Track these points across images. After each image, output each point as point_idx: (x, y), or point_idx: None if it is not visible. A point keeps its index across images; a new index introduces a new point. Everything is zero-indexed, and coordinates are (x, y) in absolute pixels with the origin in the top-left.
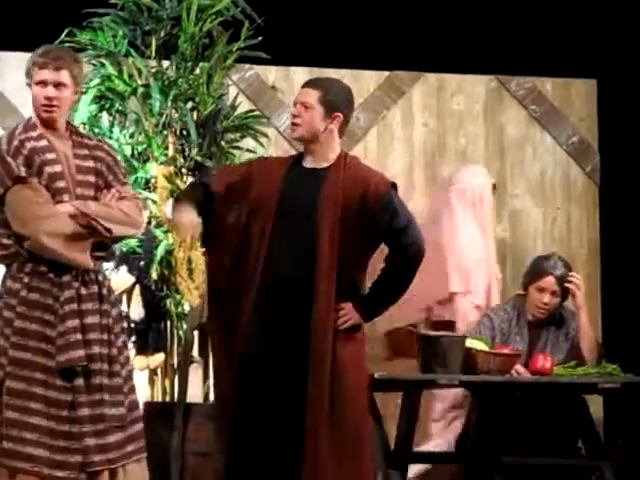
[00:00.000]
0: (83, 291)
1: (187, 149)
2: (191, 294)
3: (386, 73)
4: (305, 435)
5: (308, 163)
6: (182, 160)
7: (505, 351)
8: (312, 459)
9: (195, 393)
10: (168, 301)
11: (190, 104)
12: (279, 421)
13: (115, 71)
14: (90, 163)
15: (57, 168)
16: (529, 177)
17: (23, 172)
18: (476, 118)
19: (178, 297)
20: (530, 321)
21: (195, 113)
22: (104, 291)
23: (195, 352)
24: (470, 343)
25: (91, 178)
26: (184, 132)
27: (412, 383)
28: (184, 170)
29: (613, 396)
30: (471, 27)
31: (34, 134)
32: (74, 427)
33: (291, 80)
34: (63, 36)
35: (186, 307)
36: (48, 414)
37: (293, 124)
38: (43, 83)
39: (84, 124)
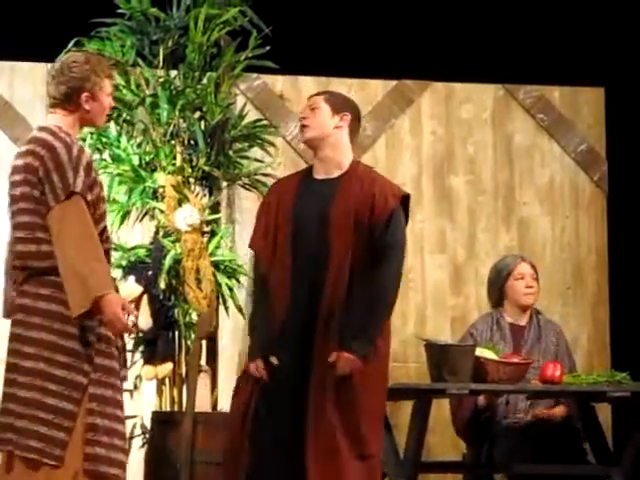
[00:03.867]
0: None
1: (195, 159)
2: (199, 303)
3: (394, 82)
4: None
5: (319, 174)
6: (190, 170)
7: (515, 360)
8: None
9: (203, 402)
10: (176, 310)
11: (198, 113)
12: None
13: (123, 81)
14: None
15: (101, 192)
16: (537, 185)
17: (79, 188)
18: (484, 126)
19: (186, 306)
20: (511, 323)
21: (203, 122)
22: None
23: (203, 361)
24: (480, 352)
25: None
26: (192, 142)
27: (422, 392)
28: (192, 180)
29: (622, 404)
30: (479, 35)
31: (80, 146)
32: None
33: (299, 89)
34: (71, 46)
35: (194, 316)
36: (123, 421)
37: (302, 127)
38: (111, 93)
39: (92, 134)
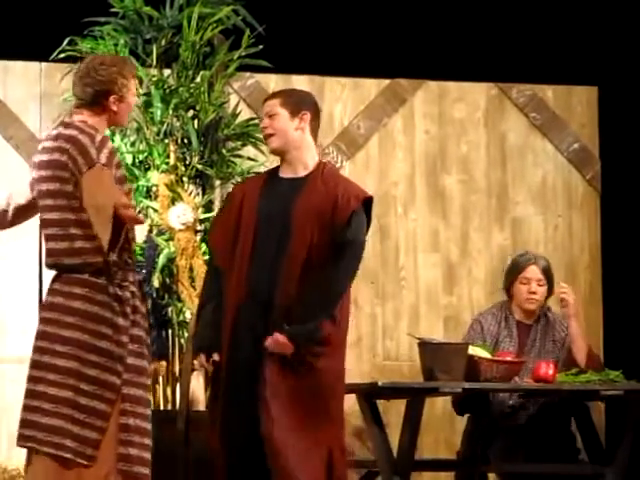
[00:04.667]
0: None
1: (188, 157)
2: (193, 302)
3: (387, 81)
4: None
5: (285, 173)
6: (183, 168)
7: (508, 358)
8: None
9: (197, 400)
10: (170, 309)
11: (191, 112)
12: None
13: None
14: None
15: (123, 171)
16: (530, 184)
17: (103, 161)
18: (477, 125)
19: (180, 305)
20: (518, 321)
21: (196, 121)
22: None
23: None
24: (472, 350)
25: None
26: (185, 140)
27: (415, 390)
28: (185, 178)
29: (615, 403)
30: (472, 34)
31: (104, 137)
32: None
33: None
34: (64, 45)
35: (187, 315)
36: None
37: (266, 136)
38: (135, 92)
39: None
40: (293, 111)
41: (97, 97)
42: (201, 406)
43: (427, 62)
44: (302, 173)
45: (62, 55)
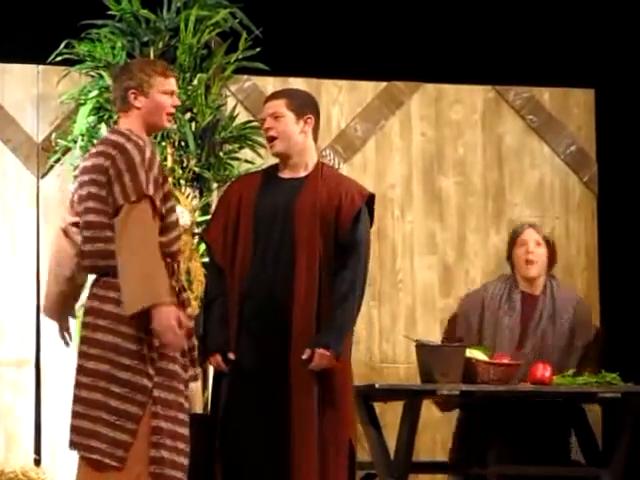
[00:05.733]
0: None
1: (185, 160)
2: (190, 305)
3: (384, 83)
4: (292, 442)
5: (285, 174)
6: (180, 171)
7: (505, 361)
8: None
9: (194, 404)
10: None
11: (188, 115)
12: (265, 432)
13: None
14: None
15: (167, 187)
16: (527, 187)
17: (151, 190)
18: (474, 128)
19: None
20: (523, 291)
21: (193, 124)
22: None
23: None
24: (470, 353)
25: None
26: (182, 143)
27: (412, 393)
28: (182, 181)
29: (612, 405)
30: (469, 37)
31: (152, 148)
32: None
33: None
34: (61, 48)
35: None
36: (187, 425)
37: (270, 138)
38: (172, 93)
39: (82, 135)
40: (298, 114)
41: (122, 97)
42: (197, 408)
43: (424, 64)
44: (302, 174)
45: (59, 58)
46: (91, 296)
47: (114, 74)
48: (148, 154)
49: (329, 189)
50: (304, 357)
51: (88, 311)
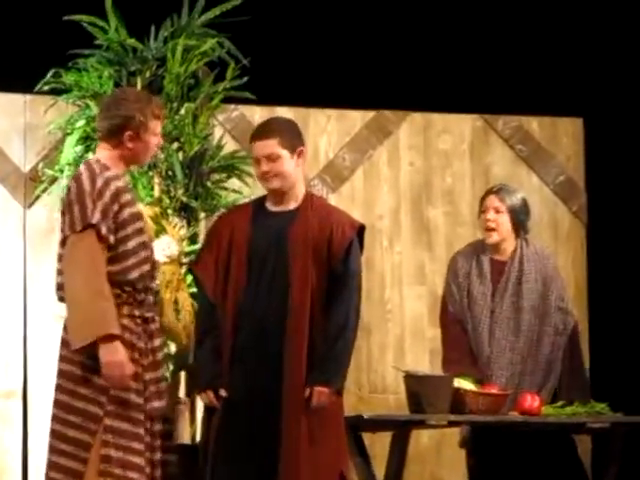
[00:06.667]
0: (160, 341)
1: (173, 190)
2: (178, 335)
3: (372, 112)
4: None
5: (276, 206)
6: (168, 201)
7: (493, 391)
8: None
9: (182, 435)
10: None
11: (176, 144)
12: (256, 466)
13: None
14: None
15: (135, 209)
16: None
17: (96, 219)
18: (462, 157)
19: (165, 338)
20: (491, 258)
21: (181, 153)
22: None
23: (182, 393)
24: (458, 383)
25: None
26: (170, 173)
27: (401, 423)
28: (170, 211)
29: (601, 435)
30: (457, 66)
31: (113, 173)
32: (157, 471)
33: None
34: (48, 77)
35: (172, 348)
36: (146, 456)
37: (267, 178)
38: (159, 133)
39: (69, 165)
40: (292, 149)
41: (113, 131)
42: (185, 440)
43: (412, 93)
44: (292, 205)
45: (46, 87)
46: (63, 327)
47: (106, 102)
48: (99, 183)
49: (320, 220)
50: (305, 395)
51: (60, 343)
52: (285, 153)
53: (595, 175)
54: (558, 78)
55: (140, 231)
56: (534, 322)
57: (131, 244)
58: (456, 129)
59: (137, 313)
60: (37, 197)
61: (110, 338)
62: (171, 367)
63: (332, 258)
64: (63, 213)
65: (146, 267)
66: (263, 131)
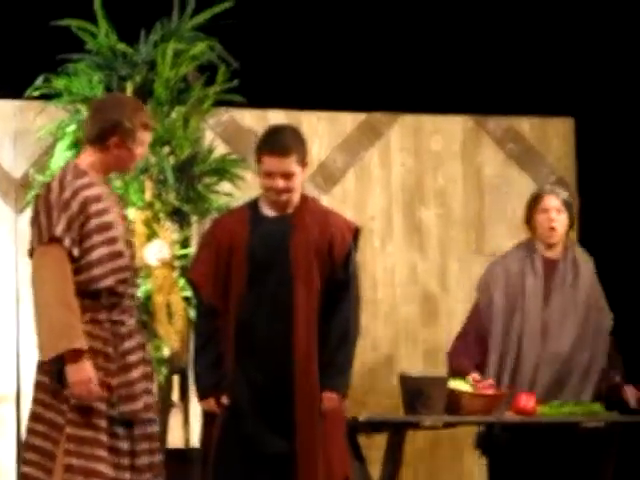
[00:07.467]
0: (137, 340)
1: (164, 193)
2: (171, 339)
3: (363, 114)
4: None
5: (272, 211)
6: (159, 205)
7: (489, 392)
8: None
9: (175, 438)
10: (148, 346)
11: (167, 148)
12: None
13: None
14: (122, 211)
15: (108, 217)
16: (508, 217)
17: (59, 231)
18: (454, 158)
19: (157, 342)
20: (543, 256)
21: (172, 157)
22: (144, 340)
23: (175, 397)
24: (453, 384)
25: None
26: (161, 177)
27: (396, 425)
28: (162, 215)
29: (596, 434)
30: (447, 67)
31: (85, 181)
32: (135, 475)
33: (267, 123)
34: (38, 82)
35: (165, 352)
36: (112, 462)
37: (281, 192)
38: (146, 143)
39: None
40: (303, 164)
41: (99, 136)
42: (179, 443)
43: (403, 95)
44: (289, 210)
45: (36, 93)
46: None
47: (96, 106)
48: (67, 194)
49: (319, 225)
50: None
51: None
52: (299, 170)
53: (586, 175)
54: (549, 78)
55: (112, 240)
56: (586, 318)
57: (96, 254)
58: (447, 130)
59: (103, 317)
60: (28, 203)
61: (76, 354)
62: (164, 371)
63: (334, 264)
64: (32, 223)
65: (122, 275)
66: (280, 147)
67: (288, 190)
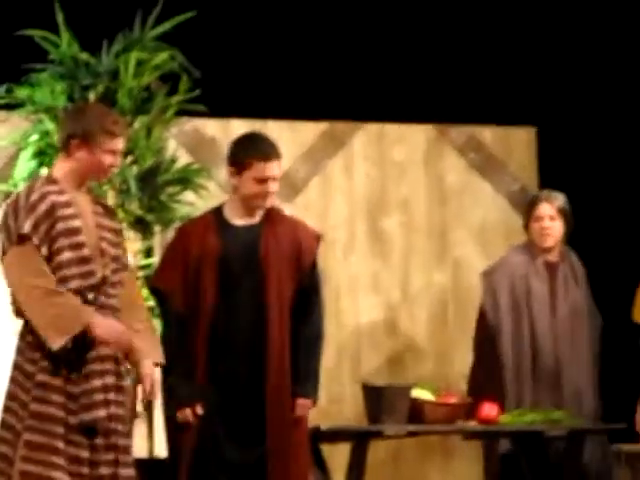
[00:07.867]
0: (104, 351)
1: (127, 203)
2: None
3: (326, 123)
4: None
5: (239, 220)
6: (122, 214)
7: (451, 401)
8: None
9: (139, 448)
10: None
11: (130, 158)
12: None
13: (54, 126)
14: (107, 221)
15: (76, 223)
16: (470, 225)
17: (27, 229)
18: (417, 167)
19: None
20: (544, 260)
21: (135, 167)
22: (118, 353)
23: (139, 406)
24: (416, 393)
25: (113, 236)
26: (124, 186)
27: (360, 434)
28: (125, 224)
29: (559, 443)
30: (410, 75)
31: (55, 188)
32: None
33: (230, 132)
34: (1, 92)
35: None
36: (69, 470)
37: (270, 196)
38: (115, 152)
39: (24, 180)
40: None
41: (62, 143)
42: (143, 453)
43: (365, 104)
44: (257, 218)
45: None
46: (17, 347)
47: (63, 115)
48: (33, 197)
49: (288, 234)
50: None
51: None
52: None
53: (548, 184)
54: (511, 87)
55: (78, 246)
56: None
57: (63, 257)
58: (410, 139)
59: None
60: None
61: (91, 326)
62: (128, 381)
63: (302, 272)
64: (1, 230)
65: (88, 281)
66: (273, 151)
67: (273, 194)
